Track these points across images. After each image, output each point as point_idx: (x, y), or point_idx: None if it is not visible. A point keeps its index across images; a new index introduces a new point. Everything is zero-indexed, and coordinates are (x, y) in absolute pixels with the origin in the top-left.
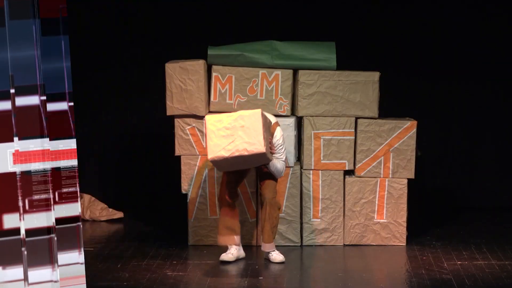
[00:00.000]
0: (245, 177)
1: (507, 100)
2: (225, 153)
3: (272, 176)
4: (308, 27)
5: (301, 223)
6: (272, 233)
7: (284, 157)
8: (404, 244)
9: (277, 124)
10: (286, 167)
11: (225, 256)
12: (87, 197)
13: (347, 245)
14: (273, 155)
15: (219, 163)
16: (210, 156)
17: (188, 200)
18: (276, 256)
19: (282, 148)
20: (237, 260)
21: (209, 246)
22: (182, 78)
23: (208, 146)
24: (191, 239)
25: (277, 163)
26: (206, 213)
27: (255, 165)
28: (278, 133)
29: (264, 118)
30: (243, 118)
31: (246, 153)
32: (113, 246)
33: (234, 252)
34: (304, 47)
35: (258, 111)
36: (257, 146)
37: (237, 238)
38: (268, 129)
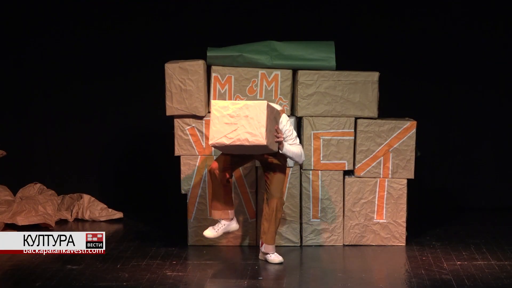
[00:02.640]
0: (245, 163)
1: (506, 100)
2: (226, 141)
3: (280, 168)
4: (307, 27)
5: (301, 223)
6: (275, 235)
7: (298, 141)
8: (404, 244)
9: (282, 111)
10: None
11: (209, 232)
12: (86, 197)
13: (346, 245)
14: (285, 141)
15: (219, 148)
16: (211, 141)
17: (187, 200)
18: (275, 257)
19: (291, 132)
20: (226, 233)
21: (209, 246)
22: (182, 78)
23: (210, 131)
24: (191, 239)
25: (292, 147)
26: (206, 213)
27: (259, 153)
28: (284, 119)
29: (271, 110)
30: (248, 108)
31: (247, 143)
32: (112, 246)
33: (220, 228)
34: (303, 47)
35: (264, 103)
36: (259, 138)
37: (230, 213)
38: (275, 119)
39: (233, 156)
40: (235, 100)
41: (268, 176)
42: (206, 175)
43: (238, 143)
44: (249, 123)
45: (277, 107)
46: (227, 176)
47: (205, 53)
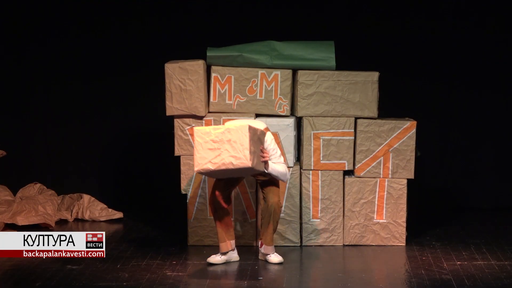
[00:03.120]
0: (237, 185)
1: (506, 100)
2: (211, 166)
3: (274, 182)
4: (307, 27)
5: (301, 224)
6: (274, 236)
7: (282, 159)
8: (404, 244)
9: (267, 129)
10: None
11: (213, 259)
12: (86, 197)
13: (346, 245)
14: (270, 160)
15: (206, 174)
16: (196, 168)
17: (187, 200)
18: (275, 257)
19: (276, 151)
20: (228, 262)
21: (209, 246)
22: (182, 78)
23: (194, 158)
24: (191, 239)
25: (277, 166)
26: (206, 213)
27: (247, 175)
28: (268, 138)
29: (253, 132)
30: (230, 131)
31: (232, 167)
32: (112, 246)
33: (224, 256)
34: (303, 47)
35: (246, 125)
36: (243, 160)
37: (232, 243)
38: (259, 140)
39: (224, 180)
40: (235, 100)
41: (265, 189)
42: (206, 176)
43: (223, 167)
44: (232, 146)
45: (261, 126)
46: (225, 205)
47: (205, 53)
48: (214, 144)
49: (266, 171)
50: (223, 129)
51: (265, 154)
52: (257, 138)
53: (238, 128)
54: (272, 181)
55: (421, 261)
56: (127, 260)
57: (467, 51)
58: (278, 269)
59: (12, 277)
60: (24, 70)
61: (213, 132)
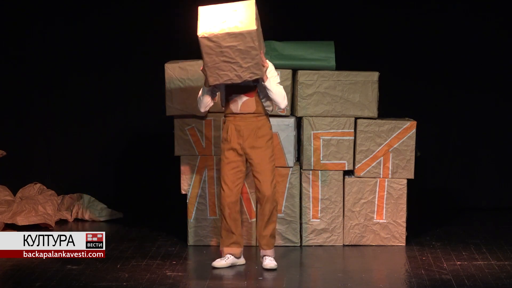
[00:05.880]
0: (243, 176)
1: (506, 100)
2: (215, 30)
3: (267, 166)
4: (307, 27)
5: (301, 224)
6: (273, 238)
7: (278, 80)
8: (404, 244)
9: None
10: (285, 167)
11: (218, 263)
12: (86, 197)
13: (346, 245)
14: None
15: (205, 50)
16: (200, 32)
17: (187, 201)
18: (269, 262)
19: (276, 74)
20: (233, 266)
21: (209, 246)
22: (182, 78)
23: (199, 25)
24: (191, 239)
25: (276, 85)
26: (206, 213)
27: (247, 63)
28: (270, 63)
29: (257, 16)
30: (236, 5)
31: (236, 31)
32: (112, 246)
33: (229, 259)
34: (303, 47)
35: (253, 0)
36: (249, 24)
37: (240, 251)
38: (261, 34)
39: (232, 175)
40: None
41: (257, 176)
42: (206, 176)
43: (227, 30)
44: (238, 14)
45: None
46: (237, 207)
47: None
48: (220, 16)
49: (263, 82)
50: (229, 4)
51: (264, 59)
52: (259, 24)
53: (245, 3)
54: (265, 166)
55: (421, 261)
56: (127, 260)
57: (467, 51)
58: (278, 269)
59: (12, 277)
60: (25, 70)
61: (219, 8)
